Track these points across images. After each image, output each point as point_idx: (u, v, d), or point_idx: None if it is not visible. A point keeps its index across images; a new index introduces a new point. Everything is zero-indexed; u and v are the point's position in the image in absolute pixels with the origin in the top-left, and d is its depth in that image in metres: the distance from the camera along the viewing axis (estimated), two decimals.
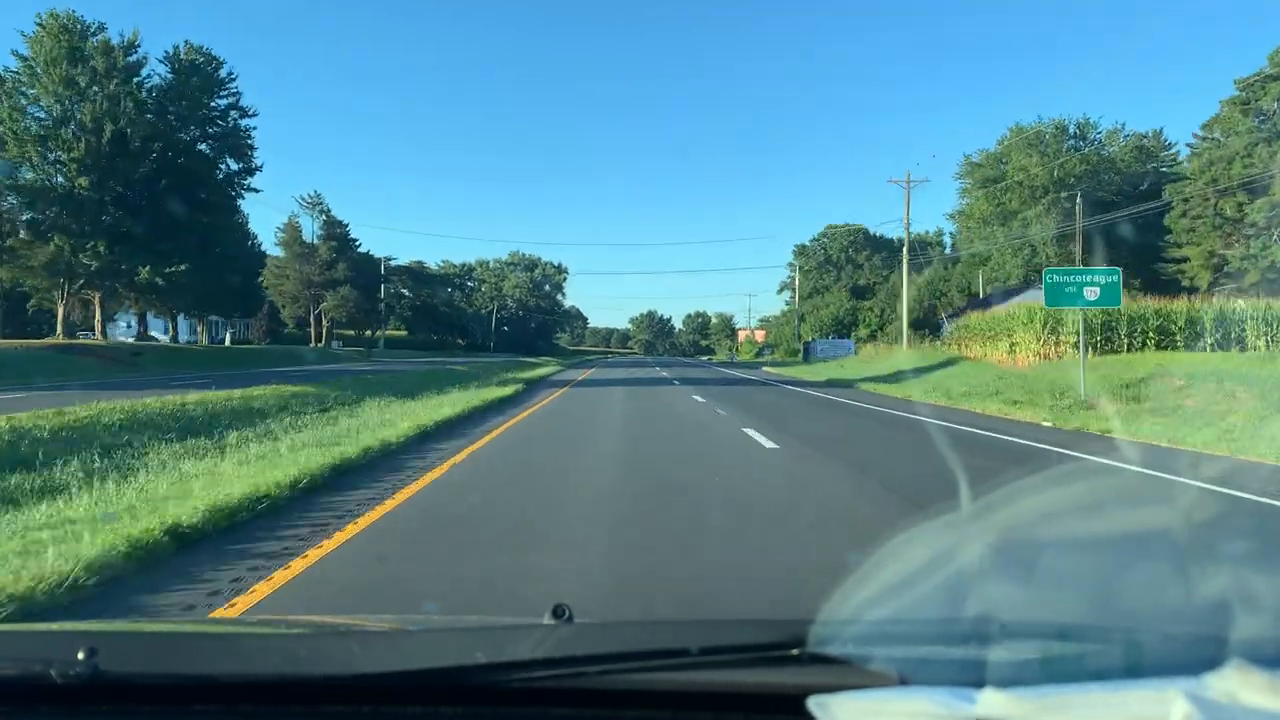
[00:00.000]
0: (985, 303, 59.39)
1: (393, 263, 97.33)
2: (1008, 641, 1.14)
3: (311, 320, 77.71)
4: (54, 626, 1.97)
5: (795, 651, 1.17)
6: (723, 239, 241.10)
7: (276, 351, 57.52)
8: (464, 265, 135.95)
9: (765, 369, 52.47)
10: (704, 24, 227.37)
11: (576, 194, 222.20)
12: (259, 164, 53.14)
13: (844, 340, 63.34)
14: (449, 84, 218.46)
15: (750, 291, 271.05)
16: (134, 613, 4.53)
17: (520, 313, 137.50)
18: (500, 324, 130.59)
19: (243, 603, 4.69)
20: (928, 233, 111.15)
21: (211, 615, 4.45)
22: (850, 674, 1.11)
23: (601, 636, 1.42)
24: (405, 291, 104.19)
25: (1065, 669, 1.09)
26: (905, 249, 49.26)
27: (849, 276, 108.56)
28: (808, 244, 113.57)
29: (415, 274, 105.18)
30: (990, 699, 1.01)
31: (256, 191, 54.88)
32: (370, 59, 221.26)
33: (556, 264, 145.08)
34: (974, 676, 1.05)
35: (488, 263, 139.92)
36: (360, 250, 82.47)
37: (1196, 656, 1.05)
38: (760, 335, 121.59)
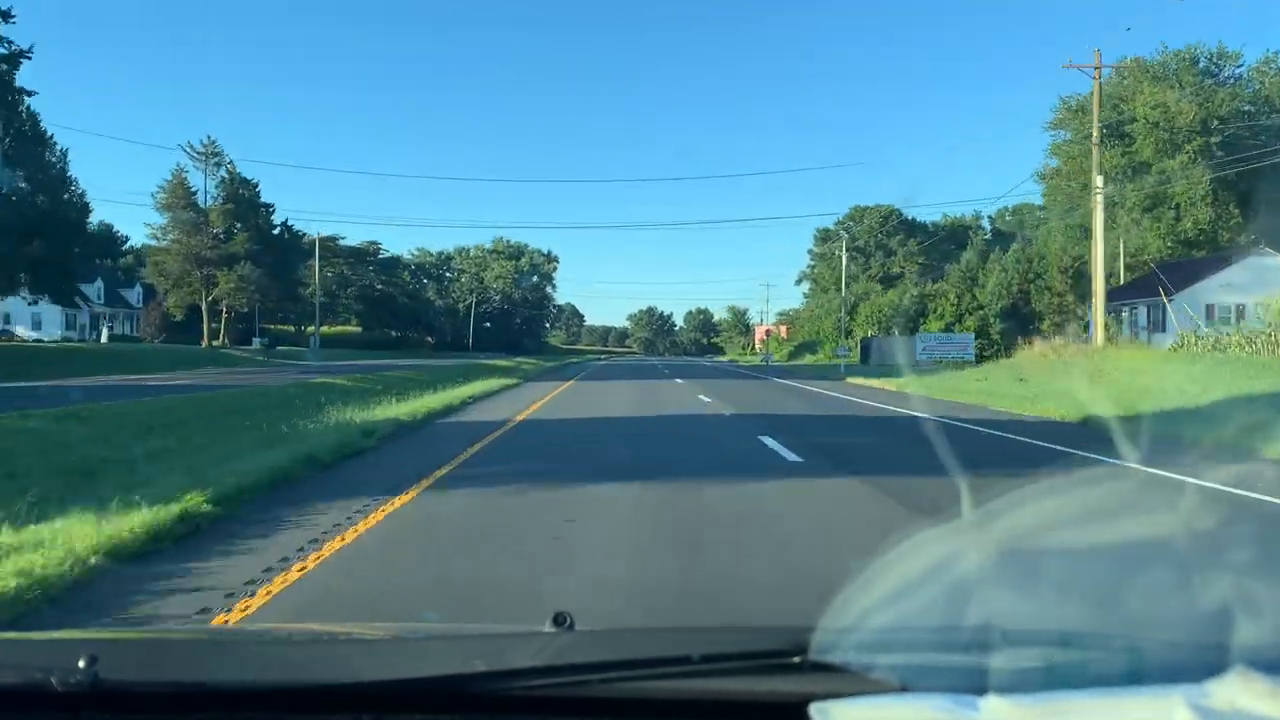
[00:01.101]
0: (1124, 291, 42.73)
1: (341, 243, 79.58)
2: (1009, 649, 1.13)
3: (204, 309, 58.89)
4: (54, 634, 1.99)
5: (797, 659, 1.16)
6: (732, 210, 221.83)
7: (100, 352, 39.90)
8: (441, 254, 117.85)
9: (848, 379, 33.13)
10: (704, 24, 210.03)
11: (575, 192, 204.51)
12: (24, 49, 33.93)
13: (957, 337, 44.73)
14: (444, 80, 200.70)
15: (767, 282, 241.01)
16: None
17: (505, 306, 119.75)
18: (481, 319, 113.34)
19: None
20: (964, 215, 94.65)
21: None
22: (852, 681, 1.11)
23: (602, 644, 1.40)
24: (365, 277, 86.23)
25: (1067, 676, 1.08)
26: (1095, 170, 31.21)
27: (878, 264, 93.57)
28: (831, 228, 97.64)
29: (366, 257, 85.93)
30: (992, 705, 1.00)
31: (29, 94, 36.49)
32: (365, 54, 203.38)
33: (545, 252, 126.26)
34: (976, 684, 1.05)
35: (468, 250, 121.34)
36: (274, 218, 63.09)
37: (1199, 663, 1.04)
38: (784, 331, 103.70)
